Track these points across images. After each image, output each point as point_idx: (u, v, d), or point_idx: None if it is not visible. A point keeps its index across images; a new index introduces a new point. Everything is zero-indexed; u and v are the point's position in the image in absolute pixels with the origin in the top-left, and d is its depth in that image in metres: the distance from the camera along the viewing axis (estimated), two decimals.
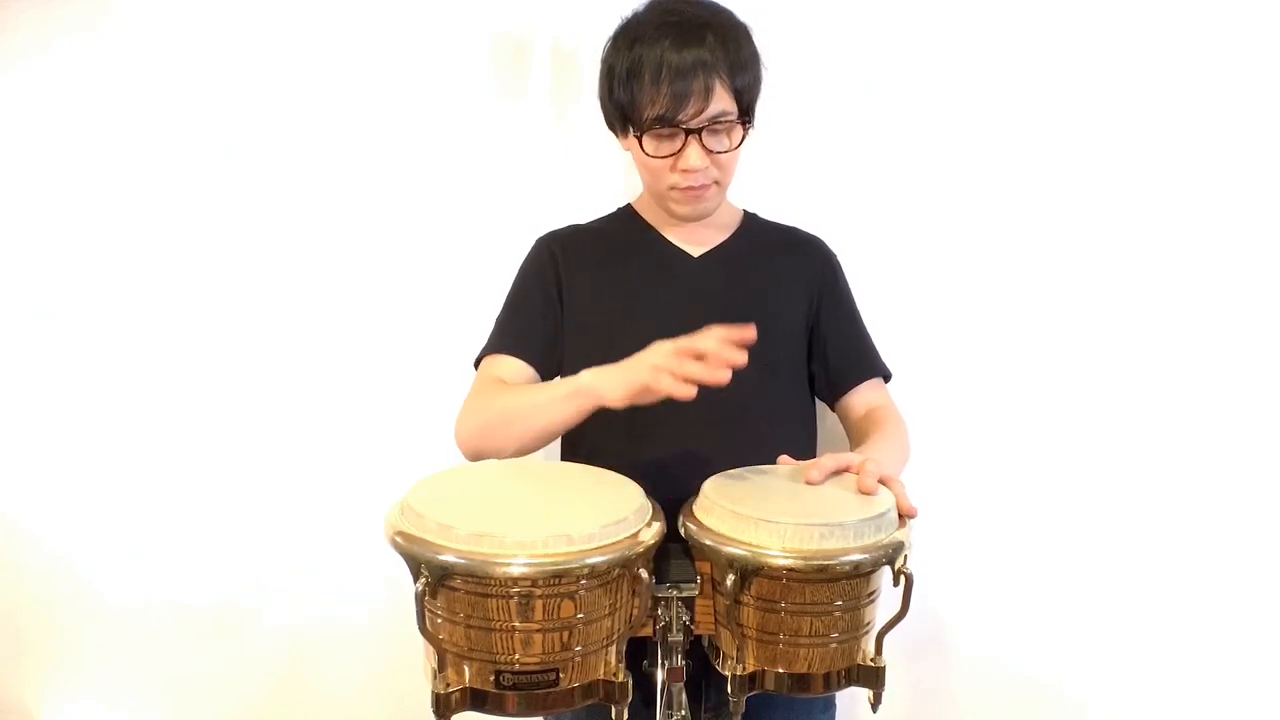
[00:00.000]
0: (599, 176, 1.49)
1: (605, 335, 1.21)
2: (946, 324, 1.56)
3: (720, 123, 1.13)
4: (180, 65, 1.52)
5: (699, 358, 0.93)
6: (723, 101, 1.12)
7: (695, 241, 1.27)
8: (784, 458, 1.09)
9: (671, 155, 1.14)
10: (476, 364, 1.26)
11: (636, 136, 1.15)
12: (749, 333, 0.95)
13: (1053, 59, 1.50)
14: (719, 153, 1.15)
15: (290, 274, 1.57)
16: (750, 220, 1.33)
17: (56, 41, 1.51)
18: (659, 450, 1.15)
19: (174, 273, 1.57)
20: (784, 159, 1.49)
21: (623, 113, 1.16)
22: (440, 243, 1.55)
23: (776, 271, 1.28)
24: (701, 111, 1.11)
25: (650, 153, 1.15)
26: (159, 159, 1.54)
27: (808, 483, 1.02)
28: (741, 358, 0.93)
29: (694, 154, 1.13)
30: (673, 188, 1.18)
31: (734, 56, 1.13)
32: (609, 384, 1.00)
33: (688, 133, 1.12)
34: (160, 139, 1.53)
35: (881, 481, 1.00)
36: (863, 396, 1.29)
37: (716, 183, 1.19)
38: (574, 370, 1.22)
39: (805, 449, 1.25)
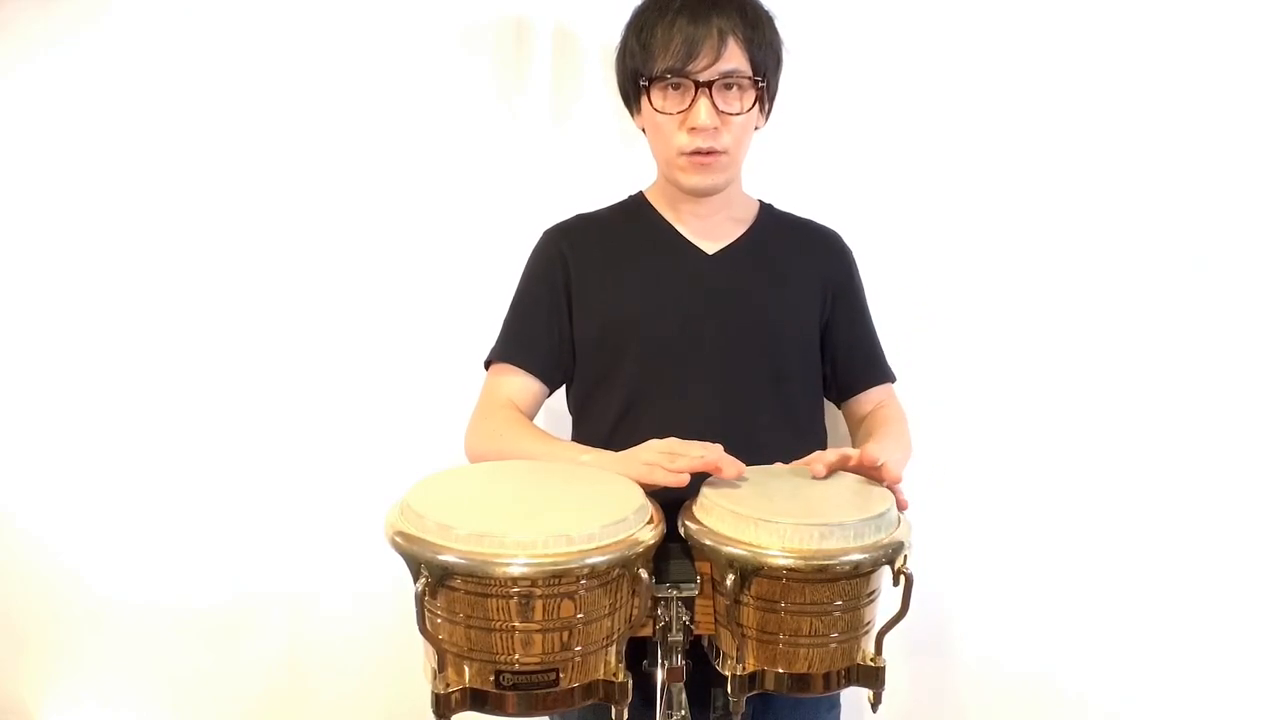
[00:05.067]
0: (605, 169, 1.48)
1: (617, 338, 1.20)
2: (950, 323, 1.56)
3: (732, 80, 1.11)
4: (178, 62, 1.51)
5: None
6: (736, 59, 1.10)
7: (710, 237, 1.24)
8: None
9: (680, 112, 1.12)
10: (487, 365, 1.26)
11: (646, 90, 1.13)
12: (735, 470, 0.99)
13: (1072, 56, 1.50)
14: (730, 114, 1.12)
15: (291, 273, 1.56)
16: (766, 212, 1.30)
17: (59, 39, 1.51)
18: None
19: (175, 271, 1.56)
20: (800, 151, 1.48)
21: (635, 75, 1.14)
22: (441, 241, 1.55)
23: (792, 270, 1.26)
24: (713, 64, 1.09)
25: (659, 107, 1.13)
26: (160, 157, 1.54)
27: (813, 477, 1.03)
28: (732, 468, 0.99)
29: (703, 109, 1.10)
30: (680, 152, 1.14)
31: (752, 20, 1.12)
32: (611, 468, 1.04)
33: (697, 86, 1.10)
34: (160, 136, 1.53)
35: (880, 473, 1.02)
36: (870, 398, 1.30)
37: (726, 152, 1.14)
38: (584, 373, 1.23)
39: (813, 451, 1.24)
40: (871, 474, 1.05)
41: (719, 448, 1.00)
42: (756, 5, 1.16)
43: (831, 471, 1.04)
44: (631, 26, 1.16)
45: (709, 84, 1.10)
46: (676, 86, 1.11)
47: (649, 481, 0.99)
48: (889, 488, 1.02)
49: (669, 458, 1.00)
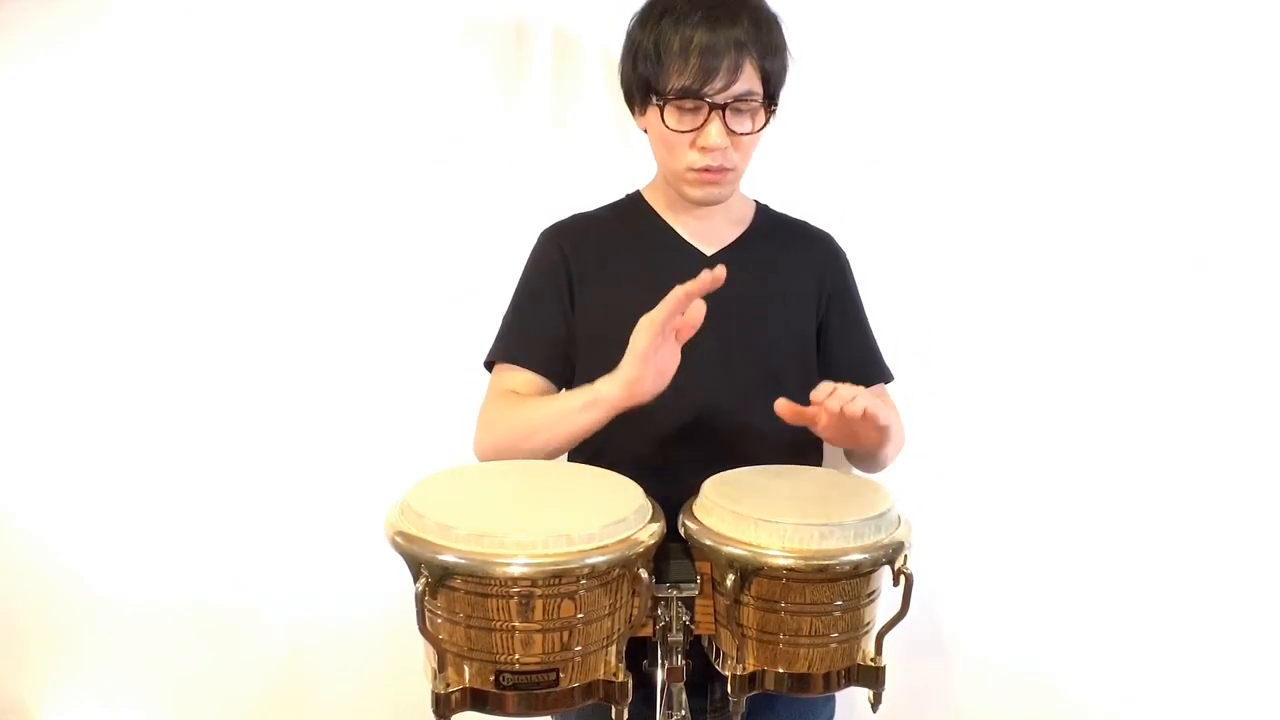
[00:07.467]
0: (604, 170, 1.48)
1: (618, 339, 1.20)
2: (949, 324, 1.56)
3: (745, 102, 1.11)
4: (178, 62, 1.52)
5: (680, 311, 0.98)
6: (750, 81, 1.10)
7: (708, 238, 1.24)
8: (781, 401, 1.04)
9: (692, 130, 1.12)
10: (488, 365, 1.26)
11: (659, 106, 1.12)
12: (719, 275, 0.97)
13: (1071, 58, 1.51)
14: (740, 134, 1.12)
15: (290, 273, 1.56)
16: (762, 213, 1.30)
17: (59, 39, 1.51)
18: (662, 451, 1.15)
19: (175, 271, 1.56)
20: (796, 152, 1.48)
21: (646, 85, 1.14)
22: (440, 241, 1.55)
23: (789, 273, 1.26)
24: (728, 87, 1.09)
25: (671, 125, 1.12)
26: (160, 157, 1.54)
27: (813, 401, 1.01)
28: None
29: (715, 131, 1.10)
30: (689, 168, 1.14)
31: (766, 39, 1.11)
32: (610, 390, 1.03)
33: (711, 108, 1.10)
34: (160, 136, 1.53)
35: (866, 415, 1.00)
36: None
37: (734, 169, 1.15)
38: (586, 373, 1.23)
39: (811, 451, 1.24)
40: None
41: (675, 293, 0.98)
42: (770, 16, 1.15)
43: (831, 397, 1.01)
44: (643, 27, 1.14)
45: (723, 106, 1.10)
46: (692, 108, 1.11)
47: (653, 373, 1.00)
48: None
49: (652, 324, 0.99)
